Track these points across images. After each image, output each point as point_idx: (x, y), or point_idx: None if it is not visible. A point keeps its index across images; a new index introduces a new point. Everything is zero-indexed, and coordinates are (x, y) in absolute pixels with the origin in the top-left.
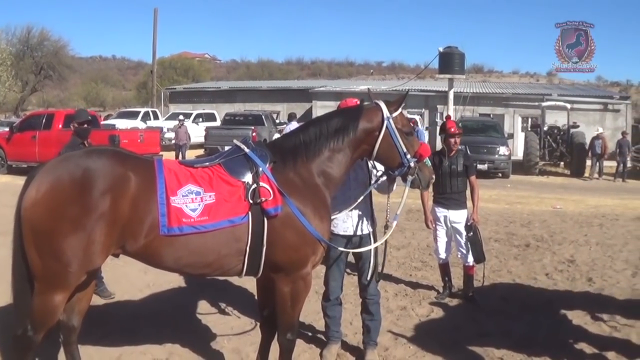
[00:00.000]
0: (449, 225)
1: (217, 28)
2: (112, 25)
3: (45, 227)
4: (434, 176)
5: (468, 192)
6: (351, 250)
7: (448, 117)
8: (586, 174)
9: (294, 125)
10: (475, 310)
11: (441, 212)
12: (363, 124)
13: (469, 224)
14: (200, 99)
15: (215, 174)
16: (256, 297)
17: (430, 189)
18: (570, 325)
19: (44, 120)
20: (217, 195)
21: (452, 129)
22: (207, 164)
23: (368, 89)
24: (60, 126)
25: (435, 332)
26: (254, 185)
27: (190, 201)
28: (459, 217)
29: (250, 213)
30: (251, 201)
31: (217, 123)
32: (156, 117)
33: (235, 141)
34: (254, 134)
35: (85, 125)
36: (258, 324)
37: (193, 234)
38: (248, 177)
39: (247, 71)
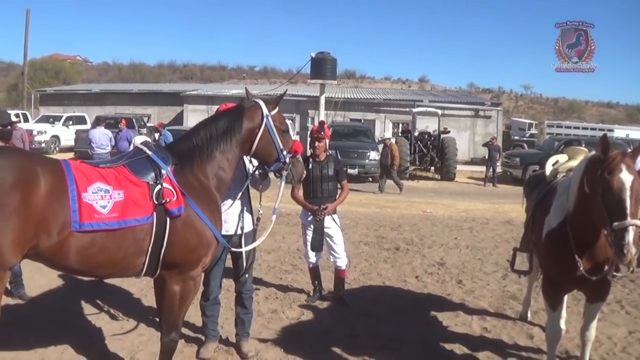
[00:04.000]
0: (315, 227)
1: (88, 30)
2: None
3: None
4: (305, 171)
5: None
6: (237, 250)
7: (321, 122)
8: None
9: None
10: (345, 313)
11: (311, 217)
12: (246, 122)
13: (321, 210)
14: (71, 102)
15: (121, 174)
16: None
17: (301, 193)
18: (440, 326)
19: None
20: (125, 194)
21: (314, 132)
22: (111, 164)
23: (245, 88)
24: None
25: (306, 334)
26: (158, 186)
27: (100, 198)
28: (329, 222)
29: (154, 213)
30: (155, 201)
31: (88, 126)
32: (26, 120)
33: (137, 144)
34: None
35: (8, 127)
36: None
37: (103, 231)
38: (152, 179)
39: (119, 74)
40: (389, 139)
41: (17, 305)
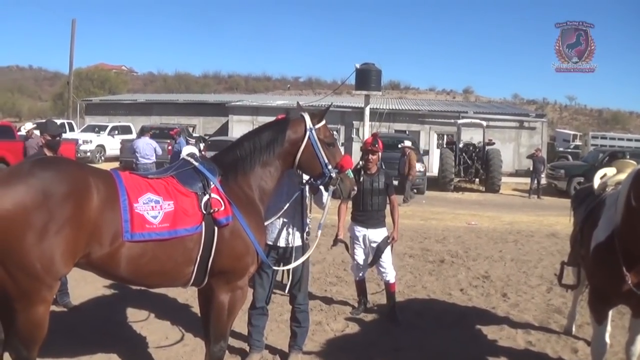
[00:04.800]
0: (368, 244)
1: (134, 40)
2: (29, 35)
3: (10, 240)
4: (355, 187)
5: (387, 210)
6: (280, 268)
7: (374, 134)
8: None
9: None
10: (390, 326)
11: (360, 230)
12: (289, 135)
13: (388, 241)
14: (117, 112)
15: (170, 185)
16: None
17: (350, 204)
18: (485, 340)
19: None
20: (175, 204)
21: (368, 144)
22: (160, 175)
23: (297, 102)
24: None
25: (350, 347)
26: (207, 196)
27: (150, 208)
28: (377, 236)
29: (203, 223)
30: (204, 211)
31: (133, 136)
32: (72, 129)
33: (184, 156)
34: (169, 147)
35: (57, 138)
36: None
37: (154, 241)
38: (200, 189)
39: (164, 84)
40: (408, 147)
41: (62, 314)
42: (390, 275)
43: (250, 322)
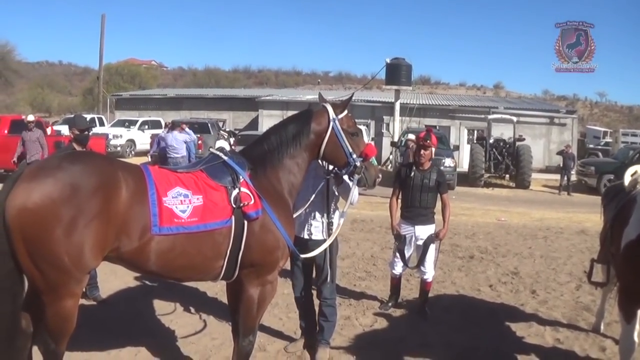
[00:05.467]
0: (413, 242)
1: (164, 35)
2: (59, 30)
3: (39, 234)
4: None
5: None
6: (303, 256)
7: (429, 129)
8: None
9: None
10: (418, 321)
11: (407, 228)
12: (313, 126)
13: (433, 238)
14: (147, 106)
15: (199, 179)
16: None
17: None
18: (514, 336)
19: None
20: (204, 198)
21: (421, 139)
22: (189, 169)
23: (319, 93)
24: (6, 132)
25: (378, 342)
26: (236, 190)
27: (179, 202)
28: (424, 234)
29: (233, 216)
30: (234, 205)
31: (157, 131)
32: (102, 124)
33: (211, 150)
34: (199, 142)
35: (86, 132)
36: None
37: (183, 235)
38: (229, 183)
39: (194, 79)
40: (412, 140)
41: (92, 307)
42: (429, 274)
43: (298, 308)
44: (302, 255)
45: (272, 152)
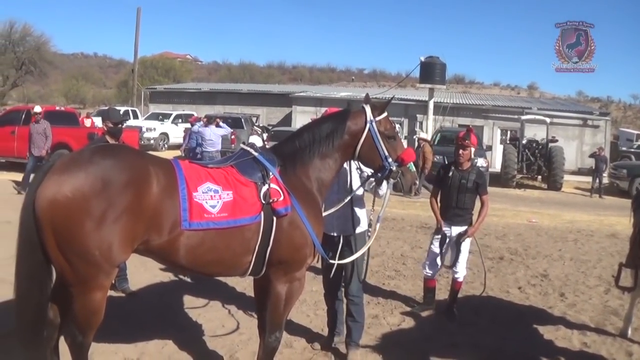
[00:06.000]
0: (448, 241)
1: (199, 29)
2: (95, 22)
3: (69, 227)
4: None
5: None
6: (338, 262)
7: (469, 128)
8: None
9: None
10: (446, 322)
11: (444, 228)
12: (349, 126)
13: (462, 234)
14: (181, 100)
15: (230, 174)
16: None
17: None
18: (541, 340)
19: (23, 116)
20: (234, 194)
21: (460, 139)
22: (219, 165)
23: (366, 93)
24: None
25: (405, 341)
26: (266, 186)
27: (209, 198)
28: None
29: (262, 212)
30: (263, 201)
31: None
32: (136, 117)
33: (242, 146)
34: (233, 136)
35: (119, 125)
36: (240, 322)
37: (213, 230)
38: (259, 179)
39: (229, 73)
40: (423, 139)
41: (120, 299)
42: (460, 274)
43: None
44: (344, 260)
45: (304, 149)
